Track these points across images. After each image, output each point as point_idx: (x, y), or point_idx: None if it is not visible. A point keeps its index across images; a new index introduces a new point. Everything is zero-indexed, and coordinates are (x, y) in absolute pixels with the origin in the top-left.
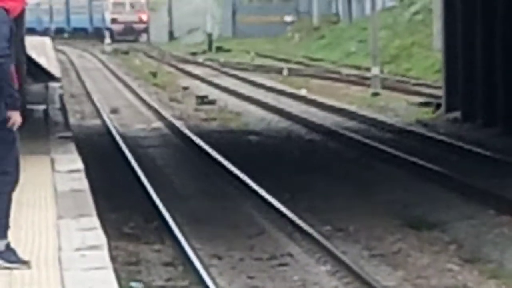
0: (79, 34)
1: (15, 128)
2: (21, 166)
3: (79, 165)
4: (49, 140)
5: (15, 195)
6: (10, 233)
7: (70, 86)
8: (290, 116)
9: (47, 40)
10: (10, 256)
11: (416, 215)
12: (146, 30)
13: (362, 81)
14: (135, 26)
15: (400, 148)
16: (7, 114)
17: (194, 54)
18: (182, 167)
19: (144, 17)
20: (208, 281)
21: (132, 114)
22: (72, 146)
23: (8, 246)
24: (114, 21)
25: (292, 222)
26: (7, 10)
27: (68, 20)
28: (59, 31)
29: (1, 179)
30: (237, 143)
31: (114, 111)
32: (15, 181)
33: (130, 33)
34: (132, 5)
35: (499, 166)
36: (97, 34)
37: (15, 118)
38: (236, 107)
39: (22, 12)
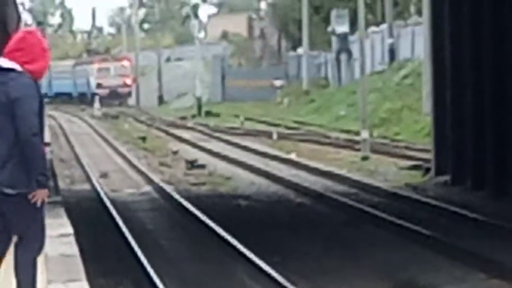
0: (62, 99)
1: (38, 203)
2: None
3: (69, 229)
4: None
5: (4, 260)
6: None
7: (59, 150)
8: (280, 180)
9: None
10: None
11: (406, 278)
12: (130, 94)
13: (351, 145)
14: (120, 90)
15: (390, 211)
16: (34, 190)
17: (183, 118)
18: (172, 231)
19: (128, 81)
20: None
21: (121, 178)
22: (61, 211)
23: None
24: (99, 85)
25: (282, 286)
26: (33, 74)
27: (50, 85)
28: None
29: (26, 248)
30: (227, 207)
31: (103, 175)
32: (39, 249)
33: (115, 97)
34: (117, 70)
35: (488, 229)
36: (82, 99)
37: (42, 195)
38: (226, 171)
39: None
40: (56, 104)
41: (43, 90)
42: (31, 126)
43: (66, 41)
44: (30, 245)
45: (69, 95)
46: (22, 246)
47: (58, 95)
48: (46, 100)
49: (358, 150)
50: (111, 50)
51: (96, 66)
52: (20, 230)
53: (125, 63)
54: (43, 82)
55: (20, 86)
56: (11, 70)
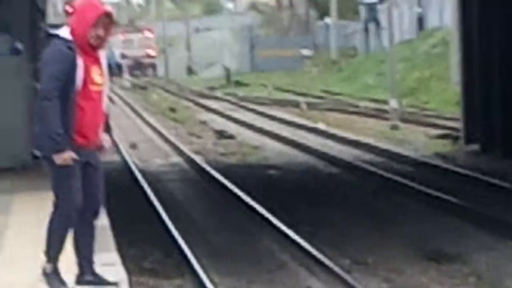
0: None
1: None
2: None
3: None
4: None
5: (31, 231)
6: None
7: None
8: (309, 149)
9: None
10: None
11: (435, 247)
12: (154, 65)
13: (380, 114)
14: (144, 60)
15: (419, 180)
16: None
17: (212, 88)
18: (201, 201)
19: (152, 52)
20: None
21: (150, 149)
22: None
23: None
24: (123, 56)
25: (311, 256)
26: (73, 35)
27: None
28: None
29: (54, 211)
30: (256, 177)
31: (132, 146)
32: (66, 216)
33: (138, 68)
34: (140, 41)
35: None
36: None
37: (59, 159)
38: (255, 141)
39: None
40: None
41: None
42: (43, 89)
43: None
44: (57, 209)
45: None
46: (54, 208)
47: None
48: None
49: (387, 119)
50: (135, 22)
51: (120, 37)
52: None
53: (149, 34)
54: None
55: (46, 52)
56: (56, 36)
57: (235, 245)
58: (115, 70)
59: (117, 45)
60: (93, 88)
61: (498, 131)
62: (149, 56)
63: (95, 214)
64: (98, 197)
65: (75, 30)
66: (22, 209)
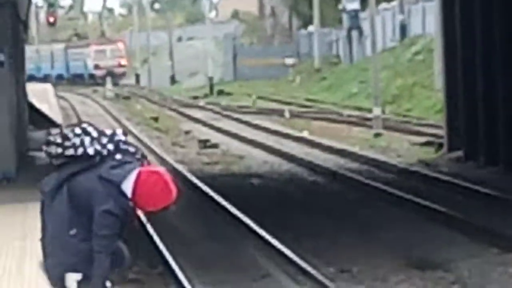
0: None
1: None
2: None
3: None
4: None
5: (19, 244)
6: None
7: None
8: (292, 158)
9: (48, 86)
10: None
11: (419, 255)
12: (125, 74)
13: (364, 122)
14: (116, 70)
15: (403, 188)
16: None
17: (195, 98)
18: (185, 211)
19: (123, 62)
20: None
21: None
22: None
23: None
24: (96, 67)
25: (296, 264)
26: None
27: (38, 68)
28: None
29: None
30: (240, 186)
31: None
32: None
33: (111, 77)
34: (112, 52)
35: (501, 204)
36: (76, 81)
37: None
38: (239, 151)
39: None
40: (68, 85)
41: (34, 72)
42: None
43: (77, 23)
44: None
45: (61, 76)
46: None
47: (46, 76)
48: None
49: (371, 127)
50: (105, 34)
51: (93, 48)
52: None
53: (120, 45)
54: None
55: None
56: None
57: (219, 254)
58: (88, 80)
59: (90, 56)
60: None
61: (481, 138)
62: (120, 66)
63: None
64: None
65: (137, 201)
66: (6, 222)
